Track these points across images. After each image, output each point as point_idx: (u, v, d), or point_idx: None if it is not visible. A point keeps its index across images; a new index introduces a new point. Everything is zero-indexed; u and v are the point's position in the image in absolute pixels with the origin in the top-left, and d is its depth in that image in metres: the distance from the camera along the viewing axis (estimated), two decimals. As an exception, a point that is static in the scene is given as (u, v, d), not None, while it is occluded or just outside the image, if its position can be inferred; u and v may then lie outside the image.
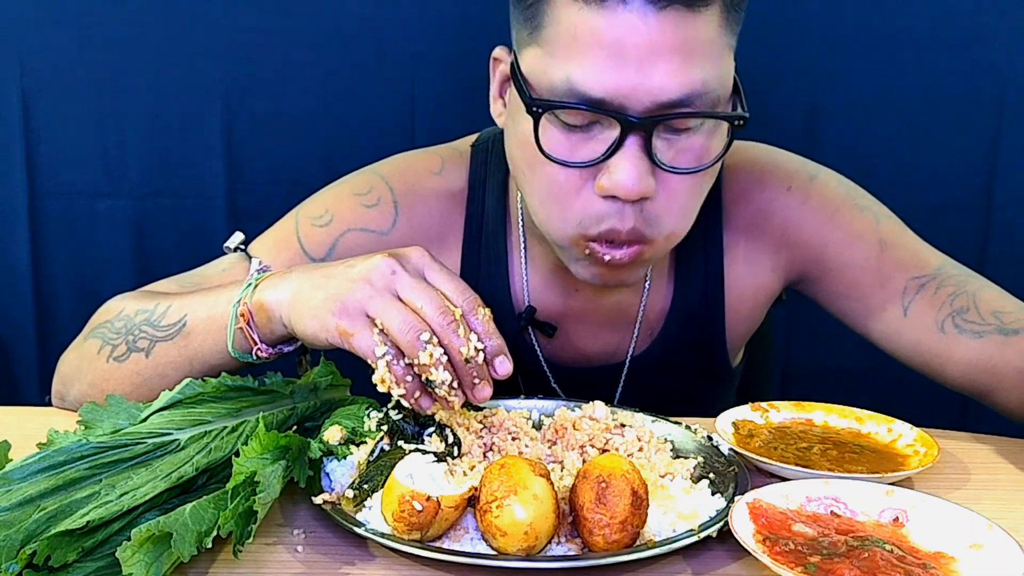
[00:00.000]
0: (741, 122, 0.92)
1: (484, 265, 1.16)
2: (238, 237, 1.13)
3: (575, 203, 0.94)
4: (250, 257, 1.11)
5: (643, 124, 0.88)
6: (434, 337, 0.82)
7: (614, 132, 0.89)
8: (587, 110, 0.89)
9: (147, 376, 1.01)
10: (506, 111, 1.01)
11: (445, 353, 0.82)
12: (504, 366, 0.85)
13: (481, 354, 0.83)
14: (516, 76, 0.94)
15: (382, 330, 0.83)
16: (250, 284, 0.94)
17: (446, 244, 1.16)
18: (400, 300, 0.84)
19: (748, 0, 0.94)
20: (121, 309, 1.07)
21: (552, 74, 0.90)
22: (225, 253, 1.14)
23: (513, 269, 1.16)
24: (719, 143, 0.94)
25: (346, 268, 0.88)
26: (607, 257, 0.95)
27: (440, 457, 0.82)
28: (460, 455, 0.87)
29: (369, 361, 0.84)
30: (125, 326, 1.04)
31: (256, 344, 0.94)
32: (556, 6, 0.89)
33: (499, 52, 1.02)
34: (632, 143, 0.89)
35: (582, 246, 0.96)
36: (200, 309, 0.99)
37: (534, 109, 0.91)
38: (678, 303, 1.16)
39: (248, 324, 0.93)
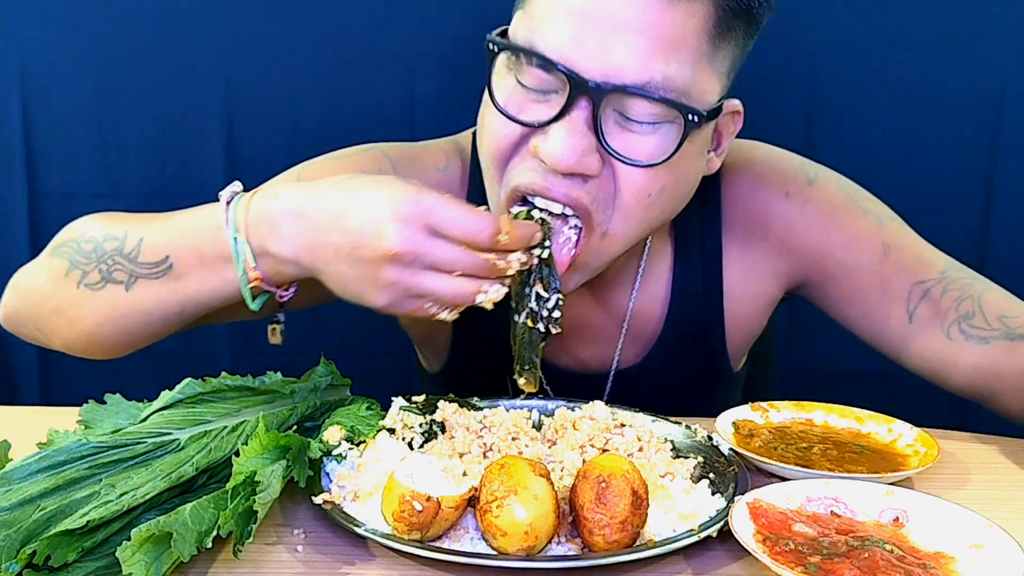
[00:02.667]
0: (695, 118, 0.88)
1: None
2: (236, 186, 1.06)
3: (511, 162, 0.94)
4: None
5: (594, 89, 0.86)
6: (483, 285, 0.87)
7: (564, 98, 0.88)
8: (538, 62, 0.88)
9: (125, 311, 0.99)
10: None
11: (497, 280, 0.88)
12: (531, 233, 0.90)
13: (525, 254, 0.90)
14: (503, 35, 0.95)
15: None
16: (235, 233, 0.93)
17: None
18: (435, 268, 0.86)
19: (752, 39, 0.94)
20: (86, 231, 1.03)
21: (520, 34, 0.91)
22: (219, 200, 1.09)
23: None
24: (673, 147, 0.90)
25: (363, 229, 0.86)
26: None
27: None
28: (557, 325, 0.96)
29: None
30: (95, 251, 1.00)
31: (281, 297, 0.97)
32: None
33: None
34: (579, 112, 0.87)
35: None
36: (181, 244, 0.96)
37: (489, 46, 0.92)
38: (675, 307, 1.14)
39: (264, 284, 0.93)
